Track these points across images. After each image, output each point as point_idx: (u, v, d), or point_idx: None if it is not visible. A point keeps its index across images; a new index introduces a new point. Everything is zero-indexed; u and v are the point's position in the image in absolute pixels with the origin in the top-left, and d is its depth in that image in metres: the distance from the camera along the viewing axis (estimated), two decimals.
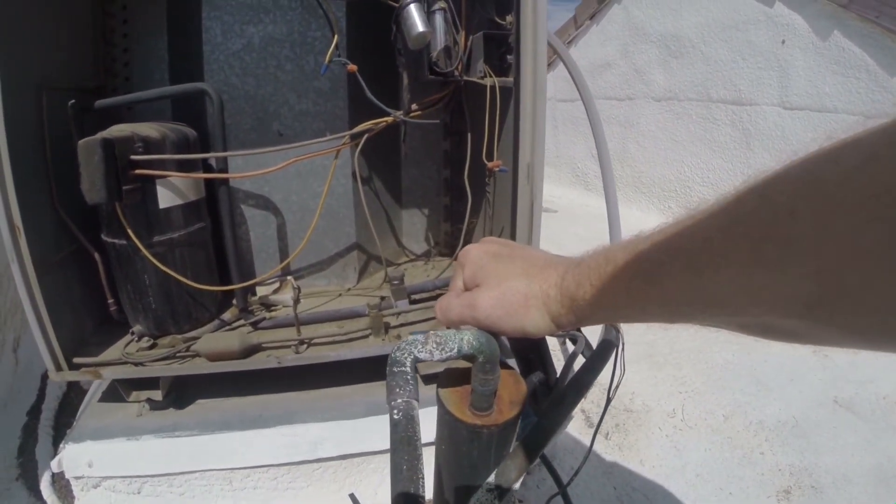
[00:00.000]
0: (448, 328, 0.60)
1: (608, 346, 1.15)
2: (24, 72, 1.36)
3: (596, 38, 5.25)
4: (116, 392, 1.59)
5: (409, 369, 0.59)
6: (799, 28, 3.63)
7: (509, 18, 1.49)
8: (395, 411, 0.57)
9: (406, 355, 0.59)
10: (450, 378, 0.66)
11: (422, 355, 0.59)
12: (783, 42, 3.74)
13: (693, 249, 0.41)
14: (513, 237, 1.41)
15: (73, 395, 2.61)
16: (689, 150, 4.42)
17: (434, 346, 0.59)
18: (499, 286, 0.58)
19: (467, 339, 0.58)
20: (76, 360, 1.48)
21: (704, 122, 4.28)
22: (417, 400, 0.57)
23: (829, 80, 3.49)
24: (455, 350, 0.58)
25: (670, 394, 2.33)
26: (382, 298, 1.60)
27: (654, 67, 4.68)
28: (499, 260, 0.61)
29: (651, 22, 4.64)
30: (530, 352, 1.01)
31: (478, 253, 0.63)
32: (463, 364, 0.64)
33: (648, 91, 4.75)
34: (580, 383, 0.97)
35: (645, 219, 4.62)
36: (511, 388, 0.66)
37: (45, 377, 2.69)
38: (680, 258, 0.42)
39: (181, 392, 1.63)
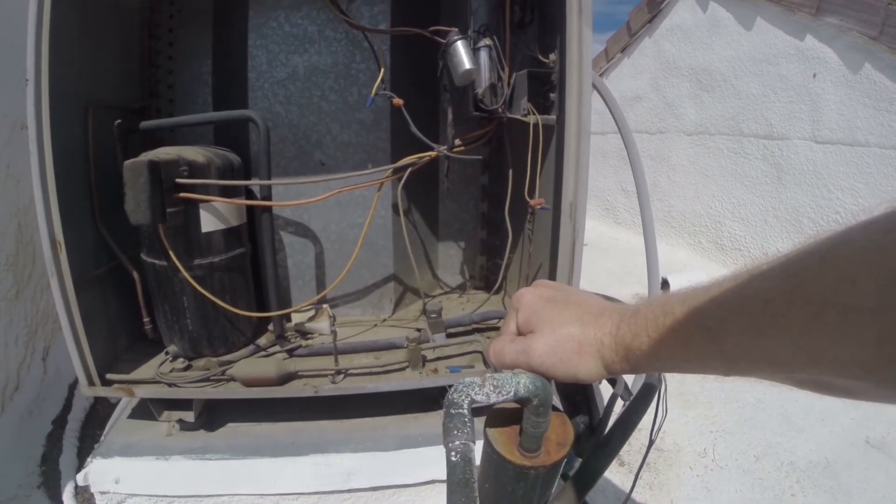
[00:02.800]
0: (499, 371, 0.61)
1: (651, 388, 1.14)
2: (72, 89, 1.40)
3: (627, 70, 5.26)
4: (146, 410, 1.60)
5: (466, 411, 0.59)
6: (830, 61, 3.61)
7: (552, 57, 1.50)
8: (453, 453, 0.57)
9: (463, 397, 0.59)
10: (497, 418, 0.66)
11: (479, 397, 0.59)
12: (814, 75, 3.72)
13: (754, 310, 0.41)
14: (553, 275, 1.41)
15: (99, 408, 2.63)
16: (720, 184, 4.39)
17: (491, 388, 0.59)
18: (553, 333, 0.58)
19: (524, 382, 0.59)
20: (109, 375, 1.50)
21: (735, 156, 4.25)
22: (474, 442, 0.57)
23: (860, 114, 3.45)
24: (511, 393, 0.58)
25: (701, 433, 2.30)
26: (419, 330, 1.60)
27: (685, 101, 4.67)
28: (553, 306, 0.61)
29: (682, 55, 4.64)
30: (577, 394, 1.01)
31: (532, 298, 0.63)
32: (510, 404, 0.64)
33: (679, 125, 4.74)
34: (625, 426, 0.96)
35: (674, 253, 4.58)
36: (559, 430, 0.66)
37: (72, 387, 2.72)
38: (741, 317, 0.42)
39: (212, 414, 1.63)
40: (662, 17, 4.82)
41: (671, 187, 4.84)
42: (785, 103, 3.91)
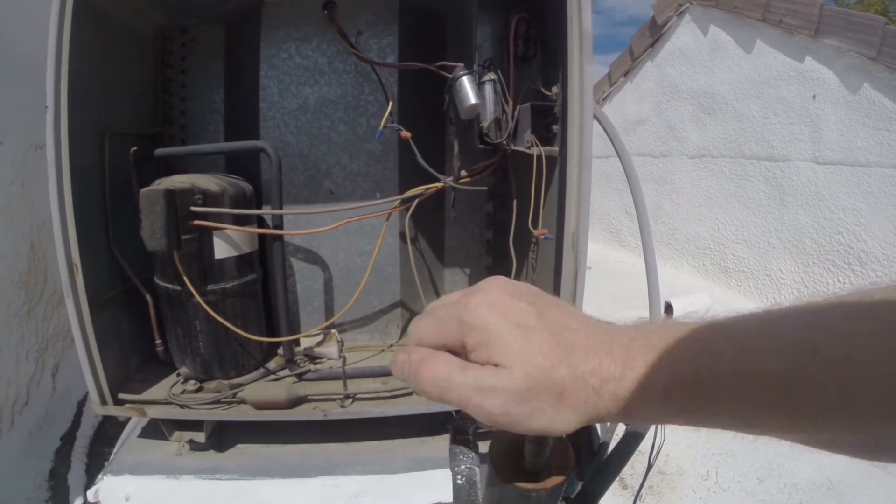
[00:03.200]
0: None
1: None
2: (89, 116, 1.44)
3: (630, 95, 5.31)
4: (157, 429, 1.62)
5: (471, 437, 0.63)
6: (829, 82, 3.64)
7: (555, 90, 1.55)
8: (459, 477, 0.61)
9: (468, 424, 0.63)
10: (500, 442, 0.70)
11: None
12: (814, 97, 3.75)
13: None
14: None
15: (108, 426, 2.65)
16: (723, 206, 4.41)
17: None
18: (525, 378, 0.43)
19: None
20: (121, 395, 1.52)
21: (738, 178, 4.27)
22: (479, 466, 0.61)
23: (860, 134, 3.48)
24: None
25: (704, 456, 2.31)
26: None
27: (687, 124, 4.71)
28: (523, 331, 0.44)
29: (684, 79, 4.69)
30: None
31: (491, 316, 0.45)
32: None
33: (682, 148, 4.77)
34: (624, 450, 0.99)
35: (678, 276, 4.59)
36: (559, 454, 0.69)
37: (81, 404, 2.74)
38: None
39: (222, 435, 1.66)
40: (664, 41, 4.87)
41: (674, 210, 4.87)
42: (785, 125, 3.95)
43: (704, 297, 3.78)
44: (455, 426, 0.65)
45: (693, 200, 4.70)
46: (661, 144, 5.01)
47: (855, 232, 3.48)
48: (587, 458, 1.04)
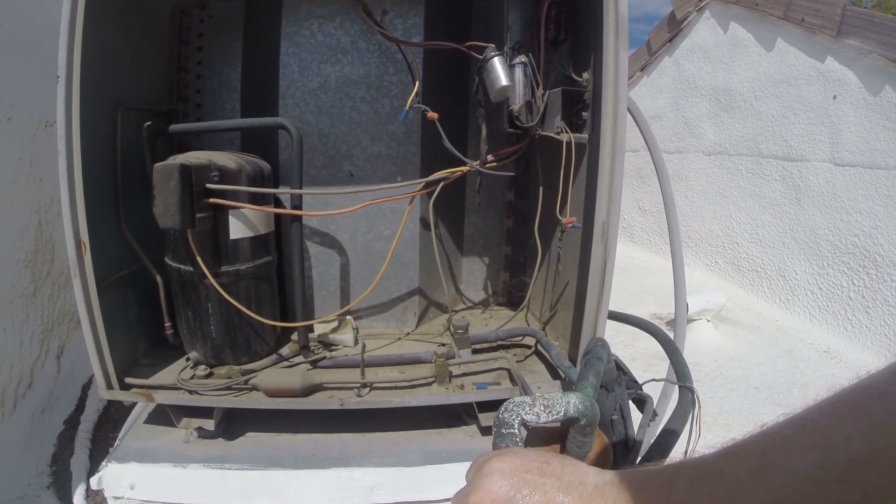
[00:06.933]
0: None
1: (687, 410, 1.13)
2: (102, 89, 1.40)
3: (646, 89, 5.28)
4: (164, 415, 1.58)
5: (517, 430, 0.60)
6: (850, 83, 3.61)
7: (585, 76, 1.50)
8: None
9: (514, 417, 0.60)
10: (538, 437, 0.66)
11: (529, 417, 0.60)
12: (834, 97, 3.72)
13: None
14: (582, 295, 1.39)
15: (112, 411, 2.62)
16: (738, 205, 4.39)
17: (542, 408, 0.59)
18: None
19: (573, 402, 0.59)
20: (128, 380, 1.48)
21: (754, 177, 4.25)
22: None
23: (880, 136, 3.45)
24: (562, 413, 0.59)
25: None
26: (443, 345, 1.58)
27: (704, 121, 4.68)
28: None
29: (702, 75, 4.66)
30: (613, 414, 1.00)
31: None
32: (553, 423, 0.64)
33: (698, 145, 4.75)
34: (662, 447, 0.95)
35: (691, 273, 4.55)
36: (598, 450, 0.66)
37: (86, 388, 2.71)
38: None
39: (232, 423, 1.61)
40: (683, 37, 4.84)
41: (689, 207, 4.84)
42: (805, 125, 3.91)
43: (718, 295, 3.75)
44: (499, 419, 0.61)
45: (708, 198, 4.68)
46: (676, 140, 4.98)
47: (871, 235, 3.45)
48: (622, 456, 1.00)
